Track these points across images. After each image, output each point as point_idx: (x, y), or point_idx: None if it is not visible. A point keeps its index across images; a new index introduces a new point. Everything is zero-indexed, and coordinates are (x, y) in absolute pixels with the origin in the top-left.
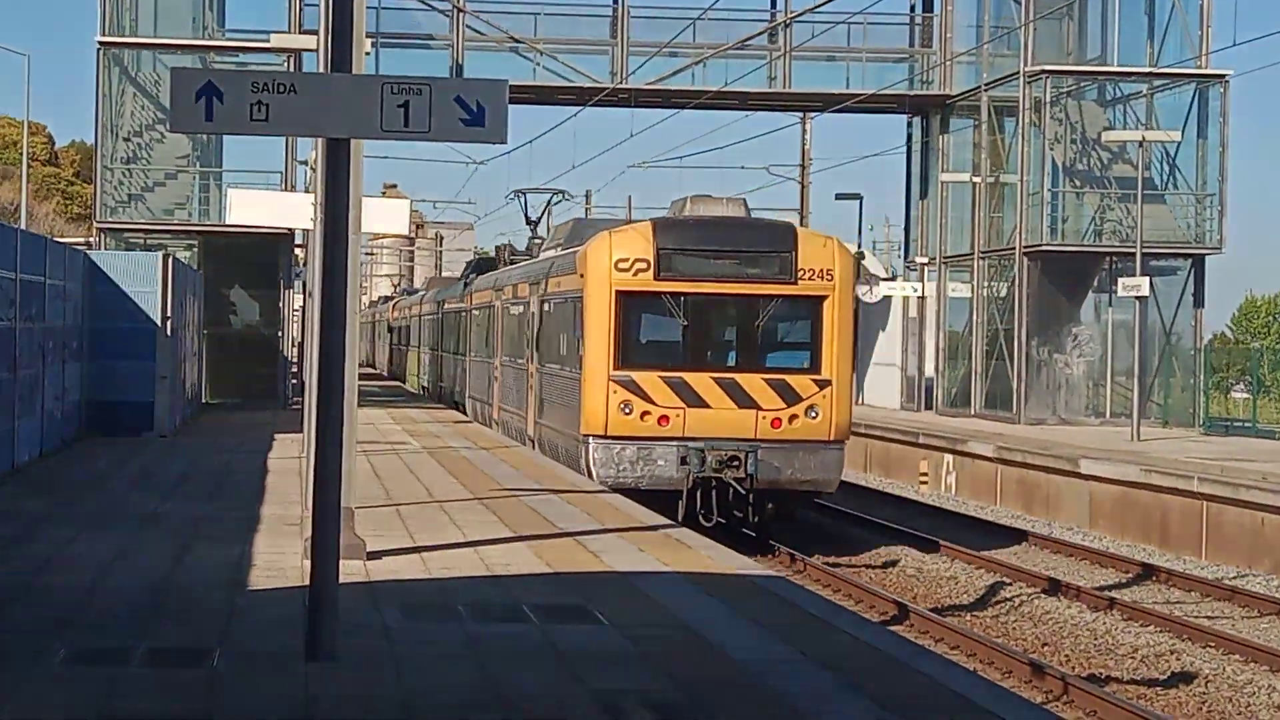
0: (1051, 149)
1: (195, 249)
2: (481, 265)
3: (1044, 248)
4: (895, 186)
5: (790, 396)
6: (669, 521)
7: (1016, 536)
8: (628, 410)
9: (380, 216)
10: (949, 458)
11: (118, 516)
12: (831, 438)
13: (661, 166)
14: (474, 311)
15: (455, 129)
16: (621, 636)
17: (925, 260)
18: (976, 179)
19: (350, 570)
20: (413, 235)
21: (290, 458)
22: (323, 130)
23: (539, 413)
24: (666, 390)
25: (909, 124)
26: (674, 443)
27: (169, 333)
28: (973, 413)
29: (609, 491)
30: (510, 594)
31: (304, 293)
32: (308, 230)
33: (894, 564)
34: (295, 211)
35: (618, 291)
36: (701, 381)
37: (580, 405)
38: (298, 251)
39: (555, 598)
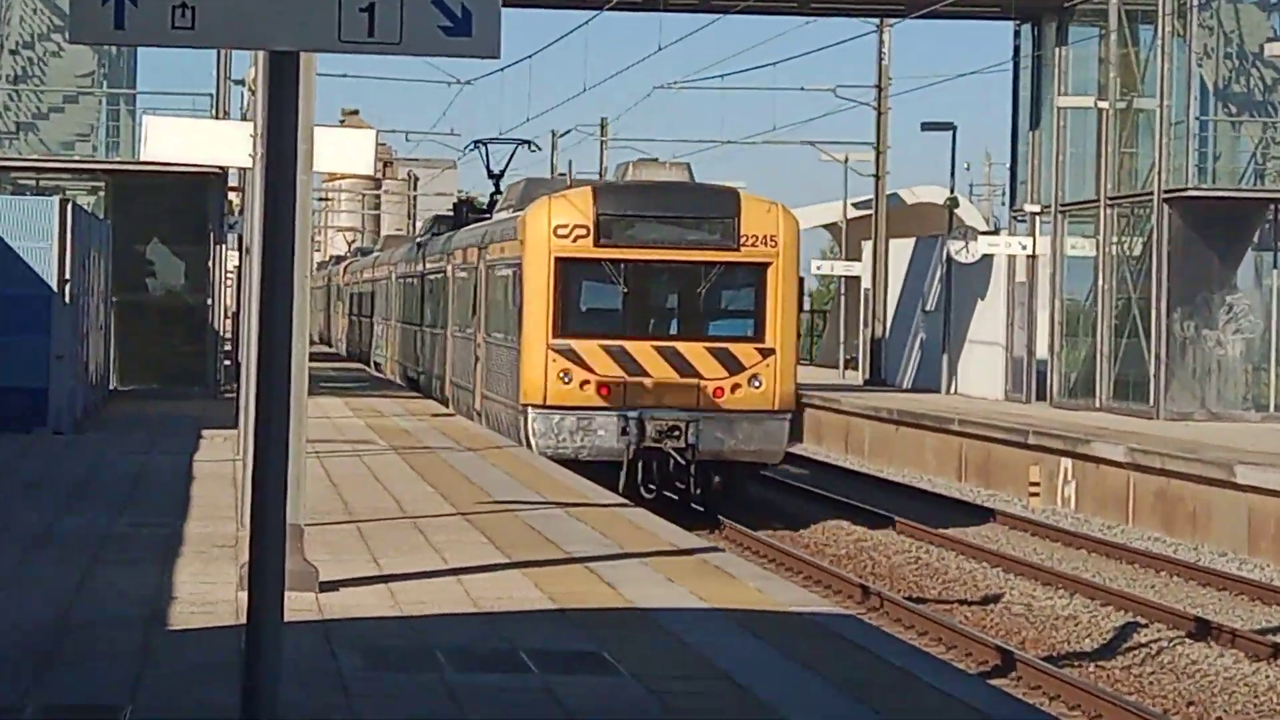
0: (1200, 66)
1: (101, 193)
2: (458, 217)
3: (1190, 192)
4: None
5: (733, 365)
6: (705, 543)
7: (1153, 564)
8: (567, 379)
9: (338, 152)
10: (1067, 463)
11: (2, 536)
12: (776, 407)
13: (698, 88)
14: (430, 277)
15: (434, 39)
16: (645, 692)
17: (1036, 209)
18: (1103, 104)
19: (299, 605)
20: (379, 176)
21: (222, 460)
22: (264, 41)
23: (485, 384)
24: (606, 359)
25: (1016, 33)
26: (614, 413)
27: (67, 300)
28: (1098, 405)
29: (629, 505)
30: (503, 636)
31: (240, 249)
32: (245, 169)
33: (996, 599)
34: (229, 145)
35: (557, 258)
36: (642, 350)
37: (520, 375)
38: (232, 197)
39: (560, 641)
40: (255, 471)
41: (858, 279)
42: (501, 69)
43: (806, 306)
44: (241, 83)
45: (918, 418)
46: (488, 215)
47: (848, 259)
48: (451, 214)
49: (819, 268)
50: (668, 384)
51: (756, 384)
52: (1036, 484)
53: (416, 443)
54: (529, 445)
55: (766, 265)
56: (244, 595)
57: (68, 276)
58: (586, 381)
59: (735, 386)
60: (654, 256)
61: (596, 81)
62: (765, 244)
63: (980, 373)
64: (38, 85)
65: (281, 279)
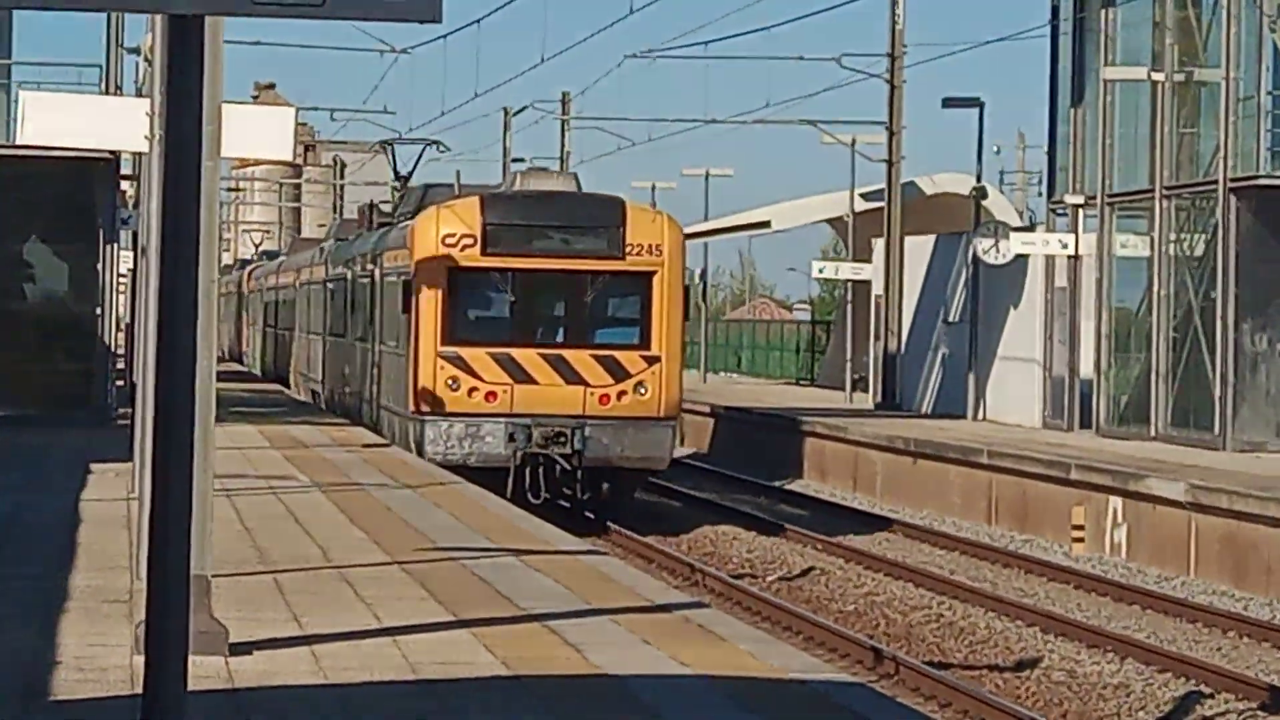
0: (1273, 31)
1: None
2: (363, 222)
3: (1261, 181)
4: (1033, 89)
5: (619, 373)
6: (687, 598)
7: (1219, 623)
8: (455, 387)
9: (251, 133)
10: (1116, 502)
11: None
12: (661, 414)
13: (678, 57)
14: (330, 285)
15: (364, 1)
16: None
17: (1079, 201)
18: (1158, 77)
19: (205, 670)
20: (299, 161)
21: (114, 499)
22: (162, 3)
23: (378, 393)
24: (494, 366)
25: None
26: (501, 419)
27: None
28: (1153, 434)
29: (597, 552)
30: (448, 709)
31: (135, 249)
32: (140, 154)
33: (1033, 664)
34: (121, 126)
35: (446, 267)
36: (529, 358)
37: (411, 383)
38: (125, 187)
39: (516, 716)
40: (154, 513)
41: (867, 284)
42: (444, 36)
43: (807, 316)
44: (136, 52)
45: (939, 449)
46: (392, 220)
47: (855, 260)
48: (356, 218)
49: (820, 270)
50: (554, 391)
51: (642, 391)
52: (1081, 528)
53: (344, 478)
54: (420, 453)
55: (652, 274)
56: (140, 660)
57: None
58: (475, 389)
59: (621, 393)
60: (541, 265)
61: (557, 50)
62: (650, 253)
63: (1013, 395)
64: None
65: (183, 284)
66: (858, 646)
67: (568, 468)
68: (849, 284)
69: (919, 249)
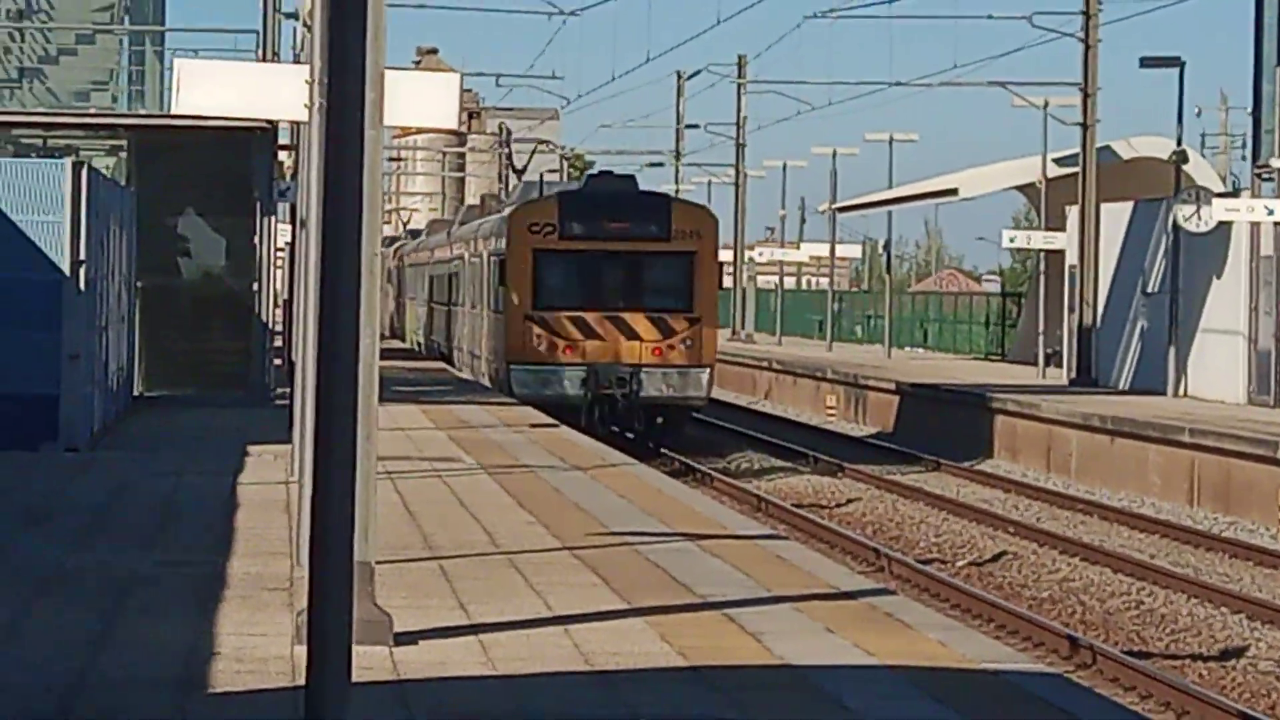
0: None
1: (123, 154)
2: (483, 208)
3: None
4: (1237, 47)
5: (667, 330)
6: (872, 584)
7: None
8: (539, 342)
9: (415, 101)
10: None
11: (2, 576)
12: (701, 363)
13: (860, 16)
14: (453, 263)
15: None
16: None
17: None
18: None
19: (370, 661)
20: (464, 130)
21: (273, 483)
22: None
23: (483, 348)
24: (569, 326)
25: None
26: (576, 367)
27: (82, 286)
28: None
29: (778, 537)
30: (622, 702)
31: (294, 222)
32: (299, 124)
33: (1238, 654)
34: (279, 94)
35: (531, 249)
36: (596, 319)
37: (506, 339)
38: (283, 158)
39: (693, 707)
40: (315, 497)
41: (1061, 253)
42: None
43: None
44: (294, 16)
45: (1138, 427)
46: (500, 210)
47: (1048, 229)
48: (479, 205)
49: (1011, 239)
50: (616, 345)
51: (687, 344)
52: None
53: (512, 460)
54: (511, 394)
55: (693, 253)
56: (302, 650)
57: (83, 257)
58: (554, 344)
59: (670, 347)
60: (605, 248)
61: (733, 11)
62: (692, 237)
63: (1217, 370)
64: (45, 21)
65: (346, 259)
66: (1053, 635)
67: (628, 405)
68: (1041, 254)
69: (1115, 217)
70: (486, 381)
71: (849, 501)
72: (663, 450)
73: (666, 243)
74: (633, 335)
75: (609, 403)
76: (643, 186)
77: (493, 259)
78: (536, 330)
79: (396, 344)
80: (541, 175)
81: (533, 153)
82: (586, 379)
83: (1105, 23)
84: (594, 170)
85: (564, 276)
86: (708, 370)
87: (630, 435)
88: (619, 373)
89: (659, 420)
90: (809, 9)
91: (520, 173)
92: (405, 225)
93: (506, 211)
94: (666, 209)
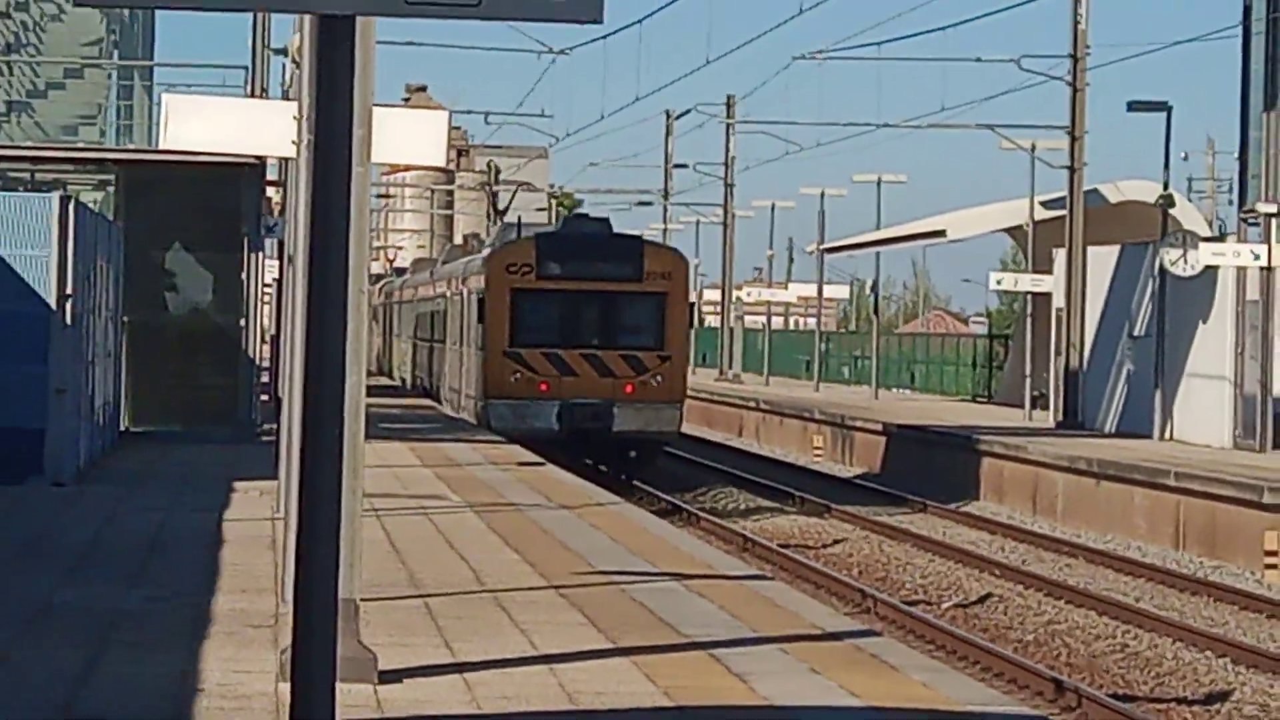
0: None
1: (111, 189)
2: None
3: None
4: (1223, 92)
5: (639, 367)
6: (857, 625)
7: None
8: (516, 378)
9: (404, 138)
10: None
11: None
12: (671, 398)
13: (849, 58)
14: (435, 300)
15: (521, 1)
16: None
17: (1273, 209)
18: None
19: (354, 699)
20: (452, 167)
21: (258, 519)
22: (313, 3)
23: (462, 383)
24: (546, 363)
25: None
26: (551, 401)
27: (68, 321)
28: None
29: (763, 577)
30: None
31: (281, 258)
32: (287, 160)
33: (1223, 697)
34: (267, 130)
35: (510, 289)
36: (572, 356)
37: (485, 374)
38: (271, 193)
39: None
40: (300, 534)
41: (1048, 296)
42: (605, 36)
43: (984, 330)
44: (283, 53)
45: (1124, 470)
46: (481, 250)
47: (1035, 271)
48: (462, 243)
49: (998, 281)
50: (590, 381)
51: (658, 380)
52: (1274, 554)
53: (498, 498)
54: (489, 428)
55: (664, 294)
56: (286, 687)
57: (69, 291)
58: (531, 379)
59: (642, 383)
60: (580, 287)
61: (722, 51)
62: (663, 278)
63: (1203, 413)
64: (33, 55)
65: (333, 295)
66: (1038, 678)
67: (602, 439)
68: (1028, 296)
69: (1102, 260)
70: (468, 416)
71: (835, 542)
72: (639, 485)
73: (639, 283)
74: (606, 372)
75: (584, 436)
76: (631, 226)
77: (473, 297)
78: (514, 366)
79: (384, 381)
80: (519, 217)
81: (513, 194)
82: (562, 414)
83: (1093, 66)
84: (581, 209)
85: (540, 315)
86: (678, 405)
87: (604, 468)
88: (593, 407)
89: (632, 454)
90: (798, 50)
91: (502, 213)
92: (391, 263)
93: (486, 252)
94: (639, 251)
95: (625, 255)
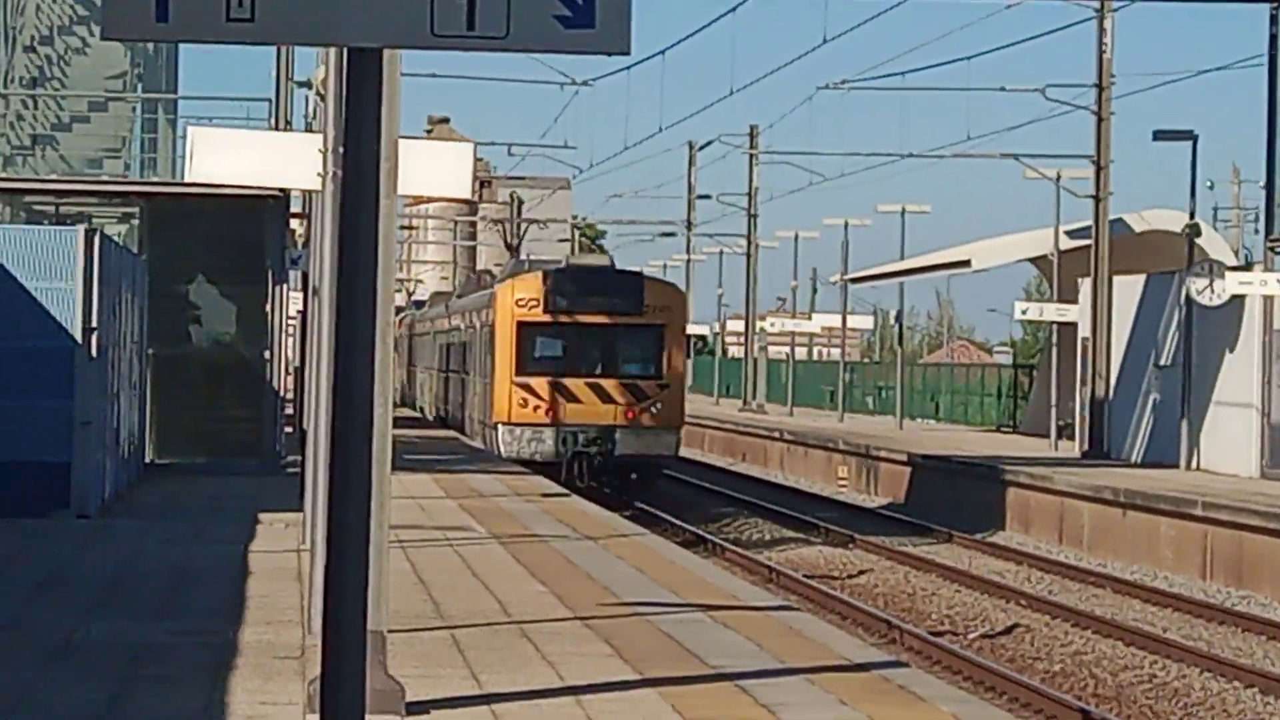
0: None
1: (135, 221)
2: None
3: None
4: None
5: (639, 395)
6: (884, 656)
7: None
8: (524, 405)
9: (429, 170)
10: None
11: (13, 645)
12: (669, 424)
13: (873, 88)
14: (452, 332)
15: (549, 32)
16: None
17: None
18: None
19: None
20: (475, 198)
21: (285, 551)
22: (341, 36)
23: (473, 409)
24: (551, 391)
25: (1273, 19)
26: (556, 427)
27: (93, 354)
28: None
29: (789, 608)
30: None
31: (306, 290)
32: (312, 192)
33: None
34: (292, 163)
35: (518, 322)
36: (576, 384)
37: (492, 401)
38: (295, 225)
39: None
40: (328, 566)
41: (1073, 326)
42: (628, 67)
43: (1009, 360)
44: (307, 85)
45: (1151, 500)
46: (493, 285)
47: (1060, 301)
48: (476, 277)
49: (1024, 311)
50: (594, 407)
51: (657, 407)
52: None
53: (523, 529)
54: (498, 452)
55: (663, 326)
56: (314, 718)
57: (94, 325)
58: (538, 406)
59: (642, 410)
60: (584, 320)
61: (746, 82)
62: (662, 312)
63: (1229, 443)
64: (58, 89)
65: (360, 327)
66: (1065, 708)
67: (604, 462)
68: (1054, 326)
69: (1128, 289)
70: (479, 442)
71: (861, 573)
72: (664, 516)
73: (639, 316)
74: (608, 399)
75: (586, 460)
76: (654, 257)
77: (485, 329)
78: (521, 394)
79: (407, 412)
80: (528, 254)
81: (525, 230)
82: (566, 438)
83: (1118, 96)
84: (604, 240)
85: (547, 346)
86: (676, 431)
87: (607, 490)
88: (596, 433)
89: (632, 476)
90: (821, 80)
91: (515, 250)
92: (410, 296)
93: (496, 287)
94: (639, 286)
95: (626, 290)
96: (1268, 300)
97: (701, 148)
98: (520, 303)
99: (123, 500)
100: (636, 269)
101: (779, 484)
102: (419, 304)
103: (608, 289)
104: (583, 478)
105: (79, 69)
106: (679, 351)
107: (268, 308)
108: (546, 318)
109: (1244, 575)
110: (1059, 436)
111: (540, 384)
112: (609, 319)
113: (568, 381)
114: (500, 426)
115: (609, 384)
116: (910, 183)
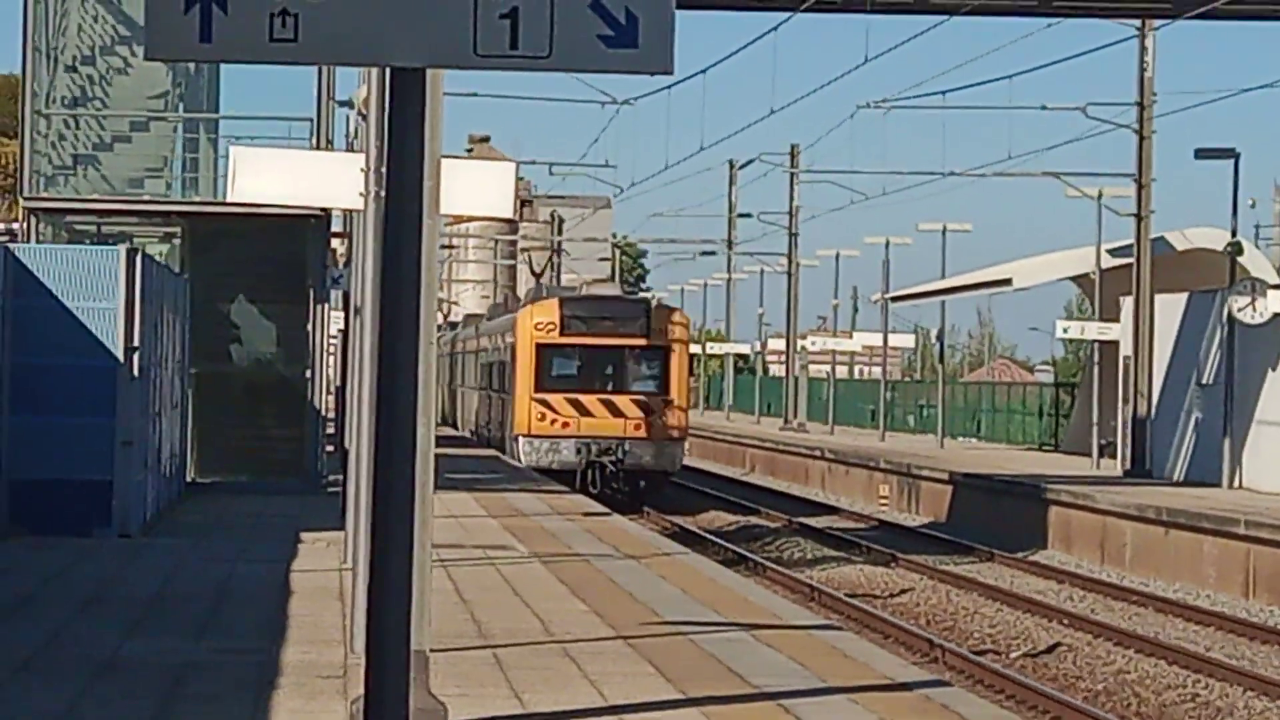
0: None
1: (177, 241)
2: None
3: None
4: None
5: (647, 410)
6: (927, 675)
7: None
8: (542, 418)
9: (471, 189)
10: None
11: (57, 662)
12: (674, 437)
13: (913, 107)
14: (480, 352)
15: (592, 52)
16: None
17: None
18: None
19: None
20: (517, 218)
21: (327, 570)
22: (384, 56)
23: (495, 422)
24: (567, 405)
25: None
26: (572, 439)
27: (135, 373)
28: None
29: (833, 627)
30: None
31: (347, 310)
32: (354, 211)
33: None
34: (334, 182)
35: (536, 344)
36: (590, 399)
37: (513, 415)
38: (336, 245)
39: None
40: (371, 585)
41: (1115, 344)
42: (669, 87)
43: (1051, 378)
44: (349, 104)
45: (1193, 518)
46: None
47: (1102, 319)
48: (502, 301)
49: (1065, 330)
50: (606, 421)
51: (663, 421)
52: None
53: (565, 548)
54: (519, 460)
55: (669, 347)
56: None
57: (136, 344)
58: (555, 419)
59: (650, 424)
60: (597, 342)
61: (787, 101)
62: (667, 334)
63: (1272, 461)
64: (99, 109)
65: (403, 347)
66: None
67: (615, 471)
68: (1095, 344)
69: (1170, 307)
70: (507, 456)
71: (902, 592)
72: (707, 535)
73: (646, 339)
74: (619, 413)
75: (599, 468)
76: (695, 276)
77: (508, 349)
78: (540, 409)
79: (447, 430)
80: (549, 280)
81: (549, 257)
82: (581, 449)
83: (1159, 114)
84: (645, 260)
85: (563, 365)
86: (681, 442)
87: (620, 496)
88: (608, 444)
89: (641, 483)
90: (862, 99)
91: (539, 275)
92: (445, 318)
93: (518, 312)
94: (647, 312)
95: (635, 315)
96: None
97: (742, 166)
98: (539, 326)
99: (164, 519)
100: (645, 295)
101: (820, 502)
102: (453, 325)
103: (618, 314)
104: (596, 484)
105: (120, 89)
106: (683, 371)
107: (309, 327)
108: (563, 340)
109: None
110: (1100, 455)
111: (557, 399)
112: (619, 341)
113: (582, 397)
114: (520, 438)
115: (620, 399)
116: (951, 201)
